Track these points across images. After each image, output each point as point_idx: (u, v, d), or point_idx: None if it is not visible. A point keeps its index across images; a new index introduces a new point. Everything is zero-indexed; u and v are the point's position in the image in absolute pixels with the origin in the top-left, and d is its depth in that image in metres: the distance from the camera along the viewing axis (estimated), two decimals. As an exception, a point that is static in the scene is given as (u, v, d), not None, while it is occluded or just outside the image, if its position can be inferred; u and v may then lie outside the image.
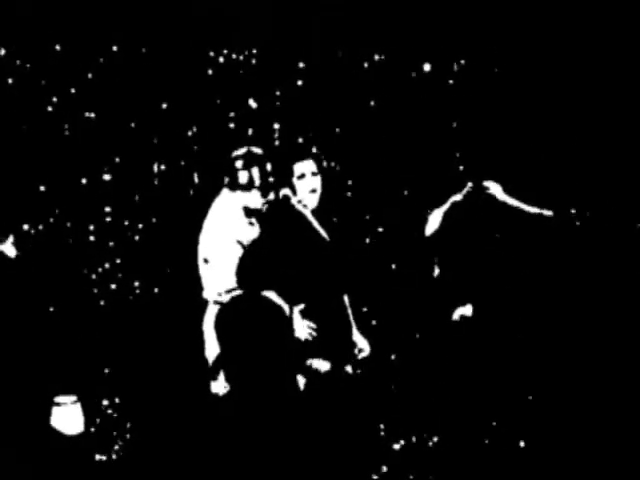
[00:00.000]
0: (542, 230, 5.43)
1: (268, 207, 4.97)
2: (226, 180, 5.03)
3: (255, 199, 4.99)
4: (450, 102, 6.18)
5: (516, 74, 6.17)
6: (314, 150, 4.91)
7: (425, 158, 6.19)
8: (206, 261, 5.01)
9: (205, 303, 5.06)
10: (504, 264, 5.45)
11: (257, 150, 5.06)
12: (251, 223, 4.99)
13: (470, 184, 5.52)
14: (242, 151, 5.04)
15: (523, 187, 5.60)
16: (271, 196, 4.98)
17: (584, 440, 5.40)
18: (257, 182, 4.98)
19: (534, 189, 5.69)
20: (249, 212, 5.01)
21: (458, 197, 5.55)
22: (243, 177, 4.97)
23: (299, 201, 4.85)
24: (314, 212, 4.86)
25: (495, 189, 5.49)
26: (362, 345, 4.93)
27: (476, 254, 5.45)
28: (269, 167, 5.01)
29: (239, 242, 4.86)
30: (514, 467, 5.29)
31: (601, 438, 5.38)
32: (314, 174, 4.83)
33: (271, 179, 4.99)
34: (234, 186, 5.00)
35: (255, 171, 4.99)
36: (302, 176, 4.82)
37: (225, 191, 5.06)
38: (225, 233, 4.94)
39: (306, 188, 4.82)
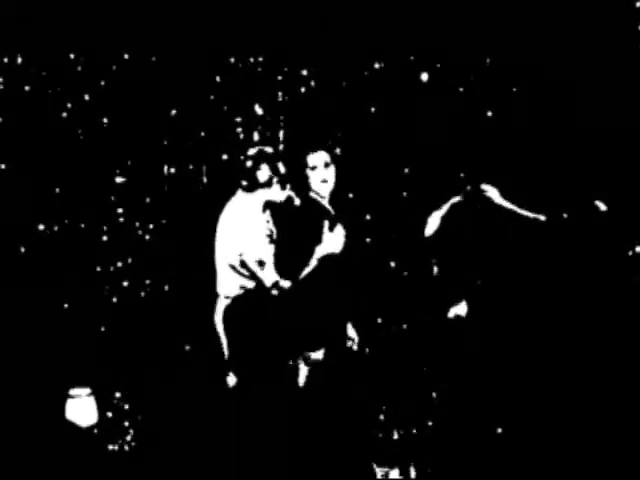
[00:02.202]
0: (535, 233, 5.47)
1: (291, 199, 5.04)
2: (243, 183, 5.13)
3: (277, 194, 5.11)
4: (450, 108, 6.17)
5: (512, 81, 6.14)
6: (328, 141, 4.99)
7: (425, 162, 6.20)
8: (224, 258, 5.12)
9: (215, 298, 5.21)
10: (499, 265, 5.50)
11: (267, 149, 5.18)
12: (268, 221, 5.08)
13: (468, 188, 5.58)
14: (253, 151, 5.17)
15: (519, 192, 5.64)
16: (288, 188, 5.06)
17: (577, 433, 5.42)
18: (275, 178, 5.08)
19: (530, 194, 5.70)
20: (272, 207, 5.10)
21: (457, 200, 5.62)
22: (262, 175, 5.09)
23: (306, 195, 4.95)
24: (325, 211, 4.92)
25: (492, 193, 5.55)
26: (351, 335, 5.03)
27: (472, 255, 5.52)
28: (280, 163, 5.10)
29: (258, 239, 5.00)
30: (507, 460, 5.36)
31: (595, 433, 5.38)
32: (327, 165, 4.85)
33: (287, 174, 5.08)
34: (254, 187, 5.11)
35: (270, 168, 5.09)
36: (314, 168, 4.84)
37: (240, 193, 5.17)
38: (244, 231, 5.06)
39: (318, 179, 4.85)
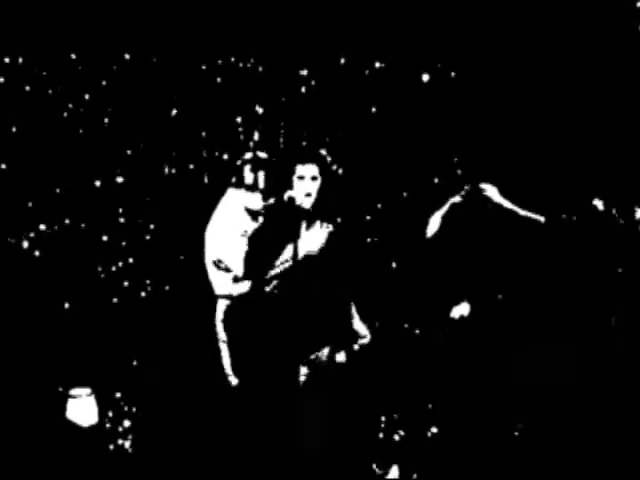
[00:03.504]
0: (534, 232, 5.49)
1: (269, 209, 5.07)
2: (233, 179, 5.18)
3: (256, 201, 5.14)
4: (449, 108, 6.19)
5: (512, 81, 6.17)
6: (323, 152, 4.94)
7: (425, 162, 6.21)
8: (213, 259, 5.14)
9: (215, 300, 5.20)
10: (499, 264, 5.53)
11: (263, 155, 5.21)
12: (255, 220, 5.13)
13: (468, 187, 5.61)
14: (249, 155, 5.20)
15: (519, 191, 5.66)
16: (271, 200, 5.09)
17: (578, 434, 5.45)
18: (261, 185, 5.12)
19: (529, 193, 5.73)
20: (250, 213, 5.16)
21: (457, 199, 5.63)
22: (249, 178, 5.13)
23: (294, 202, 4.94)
24: (317, 213, 4.94)
25: (492, 192, 5.57)
26: (363, 332, 5.01)
27: (473, 254, 5.54)
28: (274, 172, 5.14)
29: (244, 239, 5.00)
30: (509, 460, 5.39)
31: (594, 432, 5.43)
32: (313, 178, 4.83)
33: (275, 183, 5.11)
34: (239, 185, 5.15)
35: (261, 175, 5.13)
36: (301, 178, 4.83)
37: (229, 191, 5.21)
38: (230, 231, 5.09)
39: (302, 190, 4.83)
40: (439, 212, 5.60)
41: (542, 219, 5.49)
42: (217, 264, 5.10)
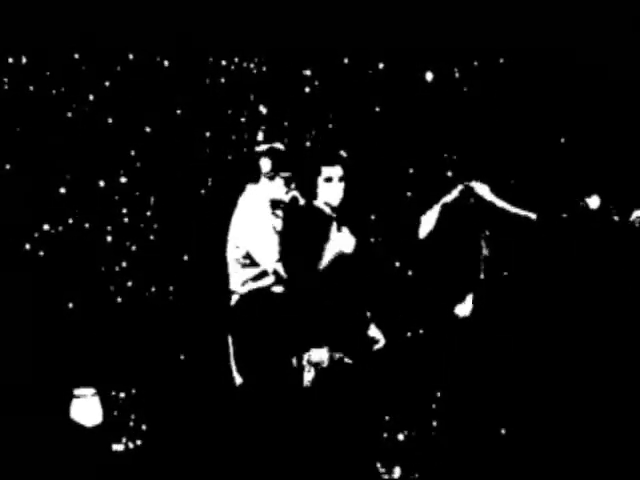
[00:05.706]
0: (525, 230, 5.53)
1: (290, 199, 5.07)
2: (251, 173, 5.18)
3: (279, 189, 5.14)
4: (442, 108, 6.21)
5: (504, 80, 6.20)
6: (344, 154, 4.98)
7: (417, 161, 6.24)
8: (242, 253, 5.11)
9: (229, 298, 5.17)
10: (492, 261, 5.56)
11: (279, 145, 5.23)
12: (275, 214, 5.13)
13: (460, 186, 5.63)
14: (264, 147, 5.21)
15: (510, 189, 5.69)
16: (293, 186, 5.09)
17: (580, 435, 5.46)
18: (280, 172, 5.12)
19: (521, 191, 5.76)
20: (274, 203, 5.14)
21: (448, 198, 5.66)
22: (267, 167, 5.14)
23: (308, 203, 4.95)
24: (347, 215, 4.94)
25: (483, 190, 5.59)
26: (376, 337, 5.00)
27: (466, 252, 5.57)
28: (290, 160, 5.14)
29: (274, 235, 5.01)
30: (511, 459, 5.40)
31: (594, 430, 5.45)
32: (341, 179, 4.86)
33: (291, 172, 5.12)
34: (258, 176, 5.15)
35: (277, 162, 5.13)
36: (329, 179, 4.86)
37: (248, 187, 5.20)
38: (259, 226, 5.06)
39: (331, 191, 4.86)
40: (431, 212, 5.62)
41: (534, 217, 5.53)
42: (245, 259, 5.09)
